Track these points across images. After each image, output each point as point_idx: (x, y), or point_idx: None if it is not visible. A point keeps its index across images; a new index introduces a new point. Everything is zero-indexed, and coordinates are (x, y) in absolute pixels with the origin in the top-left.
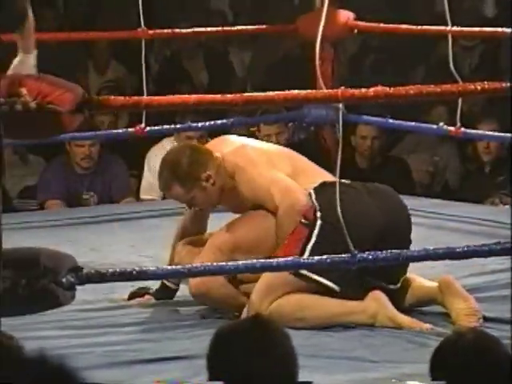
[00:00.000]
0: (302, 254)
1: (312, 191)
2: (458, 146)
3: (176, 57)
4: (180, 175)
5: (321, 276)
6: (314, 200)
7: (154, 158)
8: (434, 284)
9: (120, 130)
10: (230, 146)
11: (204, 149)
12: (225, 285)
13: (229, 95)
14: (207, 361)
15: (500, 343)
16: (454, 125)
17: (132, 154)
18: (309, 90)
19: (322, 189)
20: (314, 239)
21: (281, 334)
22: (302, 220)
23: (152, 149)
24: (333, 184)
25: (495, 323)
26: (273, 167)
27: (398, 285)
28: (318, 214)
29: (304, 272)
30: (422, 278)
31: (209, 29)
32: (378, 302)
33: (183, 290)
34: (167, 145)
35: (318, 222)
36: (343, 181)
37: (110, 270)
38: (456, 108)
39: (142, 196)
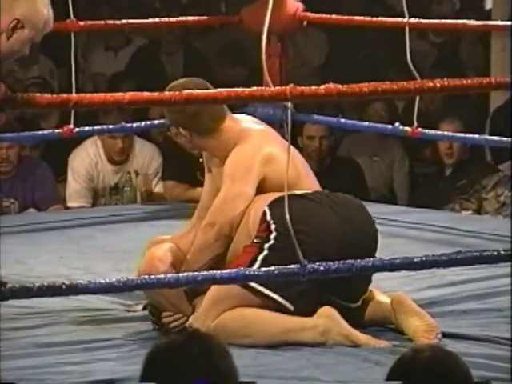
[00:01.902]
0: (251, 265)
1: (266, 208)
2: (402, 144)
3: (154, 48)
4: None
5: (273, 291)
6: (268, 216)
7: (78, 161)
8: (389, 301)
9: (46, 131)
10: (256, 124)
11: (207, 114)
12: None
13: (167, 93)
14: (140, 382)
15: (459, 360)
16: (392, 122)
17: (60, 157)
18: (254, 88)
19: (277, 203)
20: (266, 251)
21: (220, 350)
22: (255, 240)
23: (74, 151)
24: (290, 196)
25: (455, 339)
26: (267, 163)
27: (358, 303)
28: (273, 227)
29: (254, 285)
30: (380, 293)
31: (151, 20)
32: (329, 319)
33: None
34: (89, 146)
35: (273, 235)
36: (304, 192)
37: (37, 284)
38: (394, 105)
39: (69, 204)
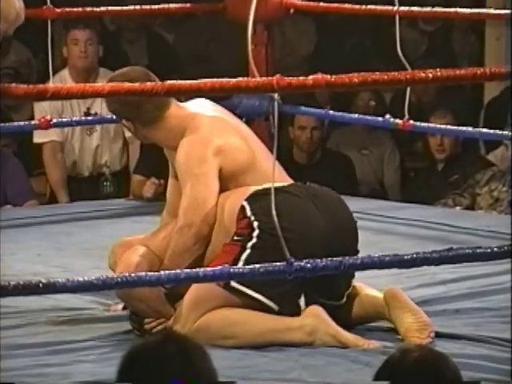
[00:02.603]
0: (234, 265)
1: (245, 203)
2: (393, 137)
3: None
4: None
5: (256, 291)
6: (249, 211)
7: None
8: (381, 295)
9: (22, 123)
10: (207, 110)
11: (150, 103)
12: None
13: (148, 84)
14: None
15: (448, 361)
16: (381, 115)
17: (34, 151)
18: (240, 78)
19: (256, 198)
20: (248, 251)
21: (198, 350)
22: (235, 237)
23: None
24: (267, 190)
25: (448, 339)
26: (217, 154)
27: (343, 300)
28: (255, 224)
29: (236, 285)
30: (368, 287)
31: (131, 7)
32: (316, 318)
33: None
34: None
35: (255, 233)
36: (282, 185)
37: (13, 283)
38: (381, 96)
39: (37, 140)
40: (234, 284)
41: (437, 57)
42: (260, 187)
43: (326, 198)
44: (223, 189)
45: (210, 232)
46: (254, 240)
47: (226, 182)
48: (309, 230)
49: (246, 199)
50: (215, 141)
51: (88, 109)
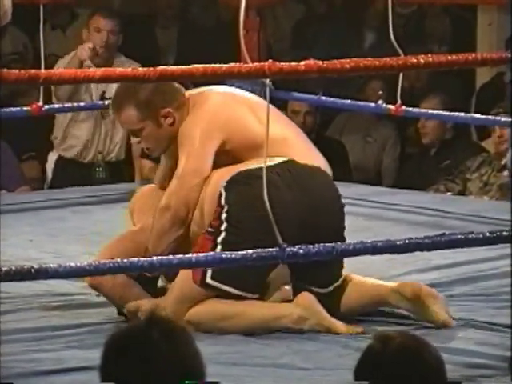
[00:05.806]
0: None
1: (222, 190)
2: (397, 127)
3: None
4: (139, 98)
5: (232, 286)
6: (223, 200)
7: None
8: (380, 283)
9: (14, 109)
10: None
11: (173, 84)
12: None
13: (141, 69)
14: (100, 372)
15: (430, 347)
16: (393, 102)
17: (21, 136)
18: (231, 64)
19: (233, 185)
20: (219, 246)
21: (183, 334)
22: (209, 229)
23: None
24: (246, 175)
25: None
26: (220, 132)
27: (331, 288)
28: (223, 216)
29: (212, 283)
30: (358, 275)
31: None
32: (306, 305)
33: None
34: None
35: (223, 226)
36: (260, 166)
37: (5, 268)
38: (393, 83)
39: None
40: (209, 281)
41: (411, 40)
42: (243, 168)
43: (310, 182)
44: (228, 162)
45: (190, 214)
46: (223, 235)
47: (232, 155)
48: (281, 218)
49: (225, 185)
50: (222, 115)
51: (103, 92)
